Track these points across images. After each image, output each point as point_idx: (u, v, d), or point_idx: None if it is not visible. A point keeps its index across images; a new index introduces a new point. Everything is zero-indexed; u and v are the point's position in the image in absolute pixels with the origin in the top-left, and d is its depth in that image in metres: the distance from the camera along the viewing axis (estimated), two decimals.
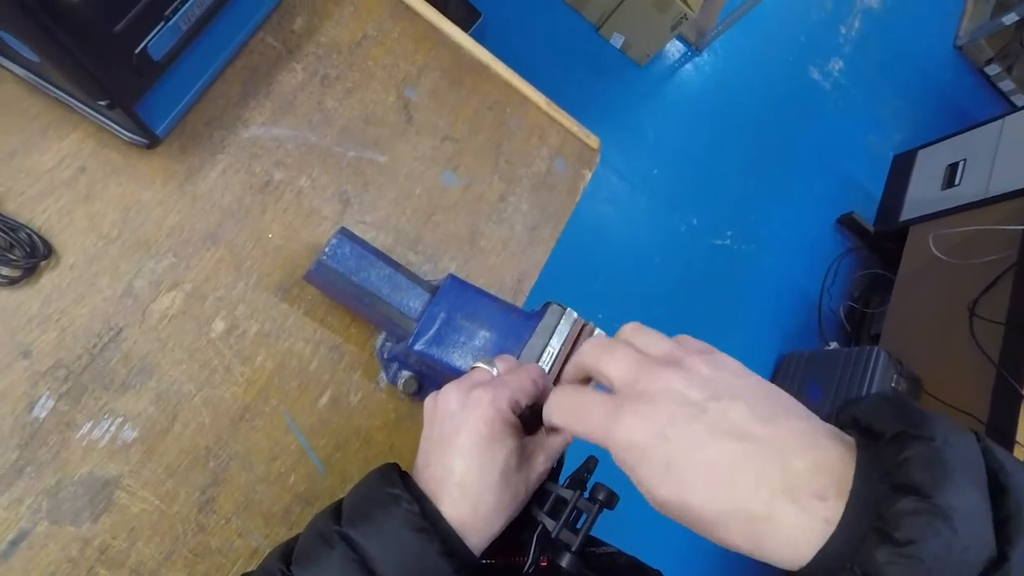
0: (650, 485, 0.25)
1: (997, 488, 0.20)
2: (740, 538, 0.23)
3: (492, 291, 0.51)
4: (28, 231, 0.42)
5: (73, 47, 0.35)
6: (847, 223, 2.13)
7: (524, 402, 0.34)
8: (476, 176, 0.59)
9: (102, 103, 0.40)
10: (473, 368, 0.37)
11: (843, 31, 2.39)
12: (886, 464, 0.21)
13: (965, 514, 0.19)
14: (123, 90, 0.41)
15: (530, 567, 0.35)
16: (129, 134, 0.45)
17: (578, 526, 0.35)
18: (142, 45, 0.39)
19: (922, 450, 0.20)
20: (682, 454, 0.24)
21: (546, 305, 0.46)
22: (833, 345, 1.93)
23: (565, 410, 0.29)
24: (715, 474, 0.23)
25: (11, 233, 0.41)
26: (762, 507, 0.22)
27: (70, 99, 0.43)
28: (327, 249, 0.44)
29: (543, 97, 0.64)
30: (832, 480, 0.21)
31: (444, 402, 0.34)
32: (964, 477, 0.19)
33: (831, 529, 0.21)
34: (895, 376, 1.58)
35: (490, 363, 0.36)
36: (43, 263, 0.43)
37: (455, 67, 0.61)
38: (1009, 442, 1.24)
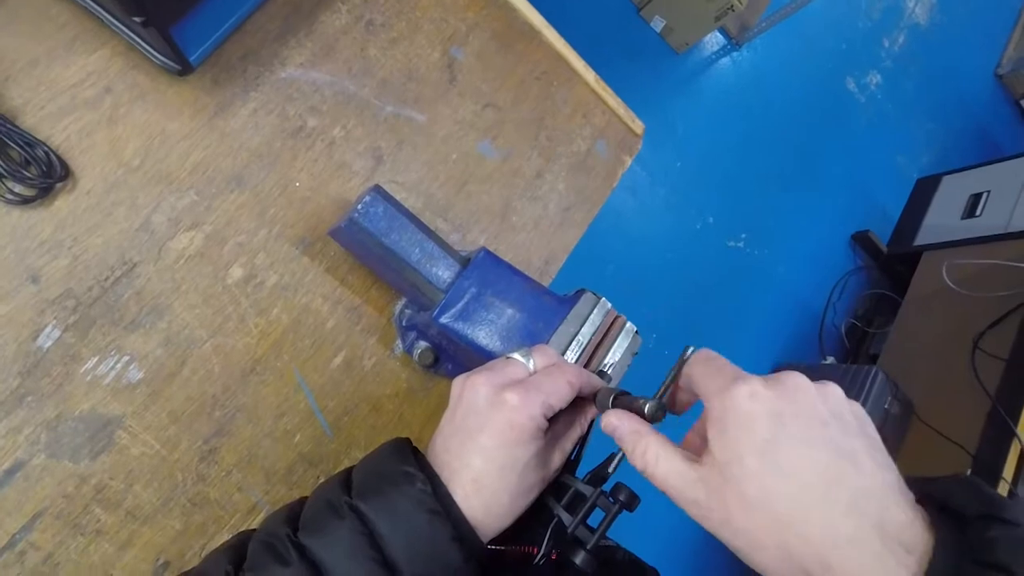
0: (738, 449, 0.24)
1: None
2: (806, 553, 0.22)
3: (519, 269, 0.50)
4: (45, 148, 0.40)
5: None
6: (861, 240, 2.11)
7: (558, 406, 0.32)
8: (515, 149, 0.57)
9: (137, 20, 0.37)
10: (507, 358, 0.35)
11: (886, 44, 2.33)
12: (969, 541, 0.21)
13: None
14: (160, 8, 0.38)
15: (541, 559, 0.33)
16: (161, 57, 0.42)
17: (590, 521, 0.34)
18: None
19: (1009, 533, 0.20)
20: (791, 442, 0.24)
21: (579, 292, 0.44)
22: (830, 360, 1.93)
23: (705, 359, 0.29)
24: (816, 477, 0.23)
25: (28, 149, 0.39)
26: (850, 529, 0.22)
27: (102, 11, 0.40)
28: (359, 207, 0.42)
29: (593, 73, 0.61)
30: (919, 540, 0.22)
31: (472, 393, 0.32)
32: None
33: None
34: (889, 398, 1.58)
35: (527, 355, 0.34)
36: (59, 185, 0.40)
37: (506, 30, 0.58)
38: (995, 478, 1.24)
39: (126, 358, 0.40)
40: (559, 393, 0.32)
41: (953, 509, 0.23)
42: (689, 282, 1.80)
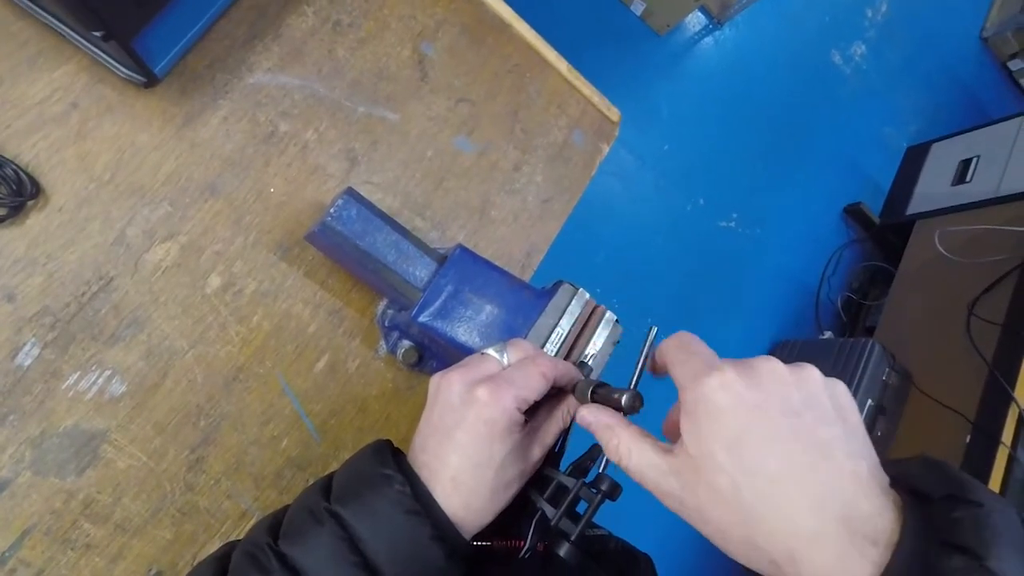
0: (709, 444, 0.24)
1: None
2: (773, 546, 0.22)
3: (500, 264, 0.49)
4: (14, 167, 0.40)
5: None
6: (853, 213, 2.10)
7: (532, 398, 0.32)
8: (491, 143, 0.56)
9: (97, 34, 0.37)
10: (482, 354, 0.35)
11: (869, 14, 2.31)
12: (935, 523, 0.21)
13: None
14: (120, 21, 0.38)
15: (527, 552, 0.34)
16: (125, 70, 0.42)
17: (578, 510, 0.34)
18: None
19: (972, 513, 0.21)
20: (759, 437, 0.23)
21: (557, 284, 0.44)
22: (828, 335, 1.93)
23: (679, 345, 0.28)
24: (783, 472, 0.23)
25: None
26: (815, 525, 0.22)
27: (63, 27, 0.40)
28: (332, 210, 0.42)
29: (565, 63, 0.61)
30: (885, 530, 0.22)
31: (446, 391, 0.32)
32: (1011, 544, 0.20)
33: (876, 571, 0.21)
34: (887, 370, 1.58)
35: (501, 350, 0.35)
36: (30, 203, 0.40)
37: (476, 24, 0.57)
38: (994, 443, 1.25)
39: (108, 372, 0.41)
40: (531, 385, 0.32)
41: (921, 491, 0.23)
42: (683, 265, 1.80)
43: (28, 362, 0.39)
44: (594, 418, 0.31)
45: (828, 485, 0.22)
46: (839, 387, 0.26)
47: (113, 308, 0.41)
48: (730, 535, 0.24)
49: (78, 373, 0.40)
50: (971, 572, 0.19)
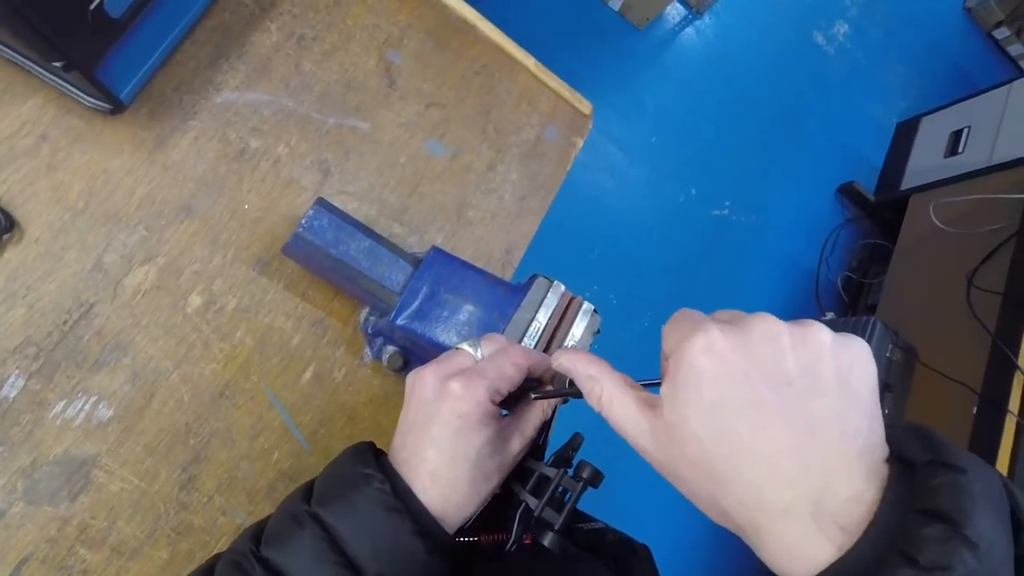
0: (684, 410, 0.23)
1: (1016, 525, 0.20)
2: (739, 514, 0.22)
3: (480, 263, 0.50)
4: None
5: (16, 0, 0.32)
6: (847, 192, 2.10)
7: (505, 389, 0.33)
8: (463, 144, 0.57)
9: (57, 65, 0.37)
10: (456, 349, 0.35)
11: None
12: (916, 490, 0.20)
13: (991, 546, 0.18)
14: (80, 50, 0.38)
15: (512, 545, 0.34)
16: (91, 99, 0.42)
17: (564, 502, 0.34)
18: (97, 1, 0.37)
19: (952, 479, 0.20)
20: (737, 406, 0.22)
21: (532, 278, 0.44)
22: (830, 315, 1.92)
23: (675, 319, 0.27)
24: (758, 445, 0.22)
25: None
26: (784, 502, 0.21)
27: (24, 61, 0.41)
28: (303, 221, 0.42)
29: (533, 60, 0.61)
30: (858, 519, 0.21)
31: (420, 387, 0.33)
32: (991, 511, 0.19)
33: (838, 555, 0.20)
34: (890, 346, 1.57)
35: (475, 345, 0.35)
36: (5, 237, 0.41)
37: (440, 28, 0.58)
38: (1001, 413, 1.24)
39: (94, 398, 0.41)
40: (504, 376, 0.32)
41: (907, 458, 0.22)
42: (679, 256, 1.79)
43: (14, 394, 0.39)
44: (572, 365, 0.29)
45: (807, 464, 0.21)
46: (853, 349, 0.23)
47: (95, 334, 0.42)
48: (701, 497, 0.24)
49: (64, 401, 0.40)
50: (947, 540, 0.18)
